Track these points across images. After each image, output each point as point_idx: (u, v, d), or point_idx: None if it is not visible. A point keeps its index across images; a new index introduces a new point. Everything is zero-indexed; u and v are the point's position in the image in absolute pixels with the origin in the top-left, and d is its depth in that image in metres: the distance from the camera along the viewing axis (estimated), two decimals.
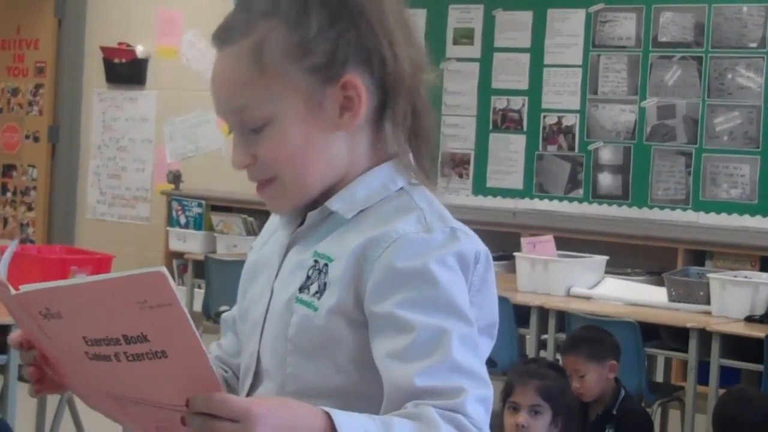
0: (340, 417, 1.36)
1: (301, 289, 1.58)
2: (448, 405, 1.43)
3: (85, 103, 9.99)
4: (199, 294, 6.86)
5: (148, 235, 9.38)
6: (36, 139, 10.12)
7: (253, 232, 8.57)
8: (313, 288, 1.56)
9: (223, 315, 1.85)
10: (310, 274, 1.58)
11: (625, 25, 7.44)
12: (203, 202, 8.80)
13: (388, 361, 1.48)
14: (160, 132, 9.53)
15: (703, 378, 5.10)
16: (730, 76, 7.09)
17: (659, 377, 6.10)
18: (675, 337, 5.20)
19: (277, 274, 1.64)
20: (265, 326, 1.63)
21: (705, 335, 5.03)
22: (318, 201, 1.63)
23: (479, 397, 1.46)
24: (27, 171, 10.17)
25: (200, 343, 1.29)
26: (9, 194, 10.29)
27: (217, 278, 6.58)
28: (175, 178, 9.10)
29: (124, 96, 9.75)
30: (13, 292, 1.34)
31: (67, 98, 10.01)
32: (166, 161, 9.43)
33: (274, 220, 1.75)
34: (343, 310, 1.53)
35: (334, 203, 1.60)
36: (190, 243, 8.74)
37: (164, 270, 1.27)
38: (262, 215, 8.55)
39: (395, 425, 1.39)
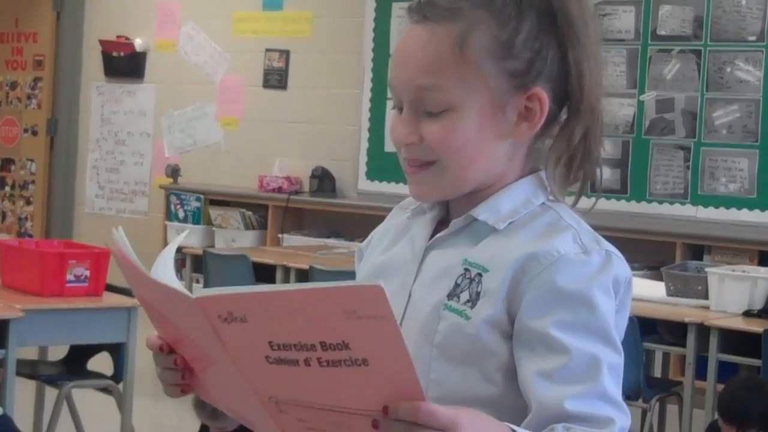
0: None
1: (450, 297, 1.57)
2: None
3: (83, 96, 9.98)
4: (197, 288, 6.86)
5: (146, 229, 9.37)
6: (34, 133, 10.12)
7: (251, 226, 8.57)
8: (464, 296, 1.56)
9: None
10: (459, 282, 1.57)
11: (623, 19, 7.43)
12: (201, 196, 8.80)
13: (538, 379, 1.49)
14: (159, 126, 9.53)
15: (701, 373, 5.09)
16: (728, 69, 7.09)
17: (657, 372, 6.10)
18: (673, 331, 5.20)
19: (415, 279, 1.63)
20: (402, 330, 1.63)
21: (703, 330, 5.02)
22: (457, 202, 1.63)
23: (623, 429, 1.49)
24: (25, 165, 10.17)
25: (409, 354, 1.29)
26: (7, 188, 10.29)
27: (215, 272, 6.58)
28: (174, 172, 9.10)
29: (123, 89, 9.74)
30: (191, 296, 1.35)
31: (66, 92, 10.01)
32: (165, 155, 9.43)
33: (390, 224, 1.75)
34: (497, 321, 1.53)
35: (480, 212, 1.60)
36: (189, 237, 8.73)
37: (382, 284, 1.25)
38: (260, 209, 8.56)
39: None
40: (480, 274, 1.56)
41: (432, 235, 1.65)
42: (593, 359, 1.49)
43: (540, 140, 1.62)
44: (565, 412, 1.46)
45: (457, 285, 1.57)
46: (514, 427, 1.39)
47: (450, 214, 1.65)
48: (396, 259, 1.68)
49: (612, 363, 1.50)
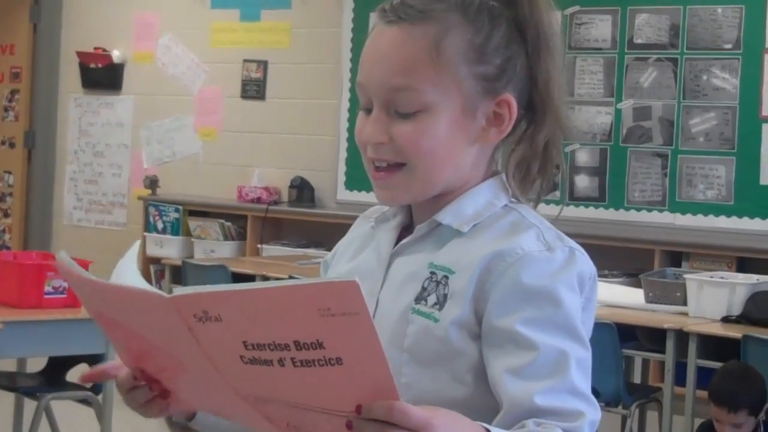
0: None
1: (417, 300, 1.58)
2: (569, 427, 1.46)
3: (61, 108, 9.96)
4: None
5: (125, 240, 9.34)
6: (12, 145, 10.08)
7: (230, 237, 8.56)
8: (431, 299, 1.57)
9: None
10: (426, 285, 1.58)
11: (600, 27, 7.46)
12: (180, 207, 8.78)
13: (507, 376, 1.50)
14: (137, 137, 9.52)
15: (680, 379, 5.11)
16: (705, 77, 7.12)
17: (637, 378, 6.12)
18: (652, 338, 5.21)
19: (382, 285, 1.64)
20: None
21: (682, 336, 5.04)
22: (421, 207, 1.65)
23: (593, 422, 1.50)
24: (3, 177, 10.13)
25: (383, 352, 1.29)
26: None
27: (194, 283, 6.57)
28: (152, 183, 9.08)
29: (101, 101, 9.72)
30: (165, 295, 1.34)
31: (43, 103, 9.98)
32: (143, 166, 9.41)
33: (355, 234, 1.76)
34: (465, 322, 1.54)
35: (443, 217, 1.61)
36: (168, 248, 8.72)
37: (357, 280, 1.25)
38: (239, 220, 8.55)
39: None
40: (446, 277, 1.57)
41: (397, 242, 1.66)
42: (561, 354, 1.50)
43: (507, 150, 1.65)
44: (536, 407, 1.47)
45: (423, 289, 1.58)
46: (489, 427, 1.40)
47: (414, 221, 1.66)
48: (362, 267, 1.68)
49: (580, 357, 1.52)
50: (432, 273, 1.59)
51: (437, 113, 1.58)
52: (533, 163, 1.64)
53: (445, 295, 1.56)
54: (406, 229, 1.67)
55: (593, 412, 1.50)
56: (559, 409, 1.47)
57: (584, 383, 1.51)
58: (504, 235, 1.58)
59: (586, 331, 1.58)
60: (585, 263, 1.58)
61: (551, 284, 1.53)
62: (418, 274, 1.60)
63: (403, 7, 1.60)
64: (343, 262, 1.74)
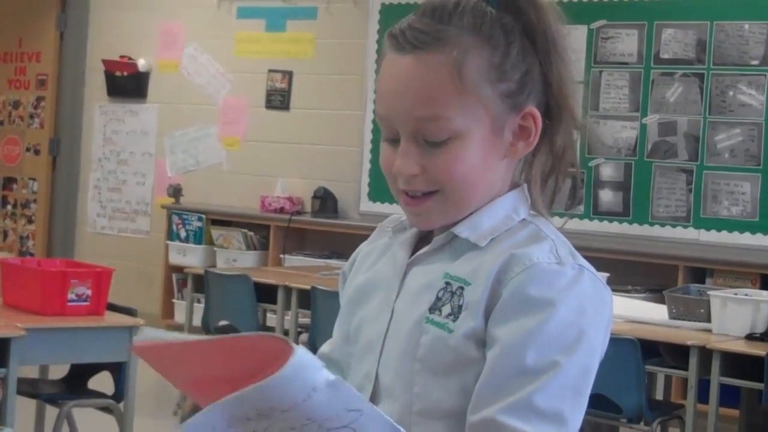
0: None
1: (431, 310, 1.58)
2: None
3: (86, 116, 9.99)
4: (199, 308, 6.85)
5: (148, 248, 9.37)
6: (37, 152, 10.12)
7: (253, 246, 8.57)
8: (446, 310, 1.57)
9: (319, 351, 1.81)
10: (440, 295, 1.58)
11: (626, 42, 7.45)
12: (203, 216, 8.80)
13: (481, 384, 1.51)
14: (161, 145, 9.54)
15: (703, 396, 5.08)
16: (731, 93, 7.09)
17: (659, 395, 6.08)
18: (675, 354, 5.19)
19: (397, 295, 1.64)
20: (385, 346, 1.63)
21: (705, 353, 5.01)
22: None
23: None
24: (27, 184, 10.17)
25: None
26: (9, 207, 10.29)
27: (216, 292, 6.57)
28: (176, 191, 9.10)
29: (125, 109, 9.75)
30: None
31: (68, 111, 10.02)
32: (167, 175, 9.43)
33: (372, 246, 1.76)
34: (479, 334, 1.54)
35: (461, 230, 1.60)
36: (190, 257, 8.74)
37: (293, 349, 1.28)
38: (262, 230, 8.56)
39: None
40: (462, 288, 1.57)
41: (413, 252, 1.66)
42: (541, 369, 1.48)
43: (529, 157, 1.64)
44: (496, 421, 1.47)
45: (438, 299, 1.58)
46: None
47: (432, 231, 1.66)
48: (378, 277, 1.69)
49: (564, 374, 1.49)
50: (447, 283, 1.58)
51: (468, 138, 1.57)
52: (555, 168, 1.64)
53: (460, 306, 1.56)
54: (423, 239, 1.67)
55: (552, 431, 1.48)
56: (513, 428, 1.46)
57: (556, 402, 1.49)
58: (518, 246, 1.57)
59: (601, 350, 1.56)
60: (592, 286, 1.56)
61: (553, 297, 1.51)
62: (433, 284, 1.59)
63: (415, 33, 1.58)
64: (361, 272, 1.74)
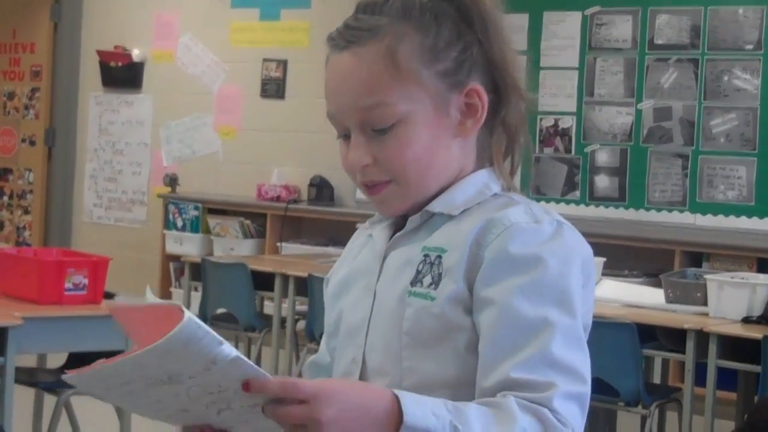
0: (407, 398, 1.40)
1: (413, 284, 1.60)
2: (533, 398, 1.45)
3: (81, 106, 9.99)
4: (196, 297, 6.86)
5: (144, 238, 9.38)
6: (32, 143, 10.12)
7: (250, 235, 8.57)
8: (426, 280, 1.59)
9: (309, 361, 1.85)
10: (420, 268, 1.60)
11: (621, 28, 7.45)
12: (200, 205, 8.80)
13: (487, 347, 1.51)
14: (157, 135, 9.53)
15: (700, 379, 5.09)
16: (726, 78, 7.10)
17: (656, 379, 6.10)
18: (672, 338, 5.19)
19: (378, 278, 1.66)
20: (371, 328, 1.65)
21: (702, 336, 5.02)
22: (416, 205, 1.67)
23: (571, 394, 1.47)
24: (23, 174, 10.16)
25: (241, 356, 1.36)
26: (5, 198, 10.29)
27: (213, 281, 6.58)
28: (172, 181, 9.10)
29: (121, 99, 9.75)
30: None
31: (64, 102, 10.01)
32: (163, 164, 9.43)
33: (353, 245, 1.79)
34: (460, 297, 1.56)
35: (435, 206, 1.64)
36: (187, 246, 8.74)
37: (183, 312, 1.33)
38: (258, 218, 8.56)
39: (469, 410, 1.42)
40: (439, 256, 1.59)
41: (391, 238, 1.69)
42: (543, 323, 1.50)
43: (486, 135, 1.68)
44: (510, 379, 1.47)
45: (418, 272, 1.60)
46: (399, 392, 1.41)
47: (407, 217, 1.69)
48: (359, 267, 1.72)
49: (567, 326, 1.51)
50: (425, 256, 1.61)
51: (413, 121, 1.61)
52: (510, 145, 1.69)
53: (440, 274, 1.58)
54: (400, 227, 1.69)
55: (572, 383, 1.48)
56: (531, 382, 1.46)
57: (568, 354, 1.49)
58: (492, 211, 1.60)
59: (587, 312, 1.58)
60: (574, 239, 1.59)
61: (537, 251, 1.54)
62: (412, 260, 1.62)
63: (349, 30, 1.64)
64: (342, 268, 1.77)
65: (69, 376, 1.42)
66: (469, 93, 1.63)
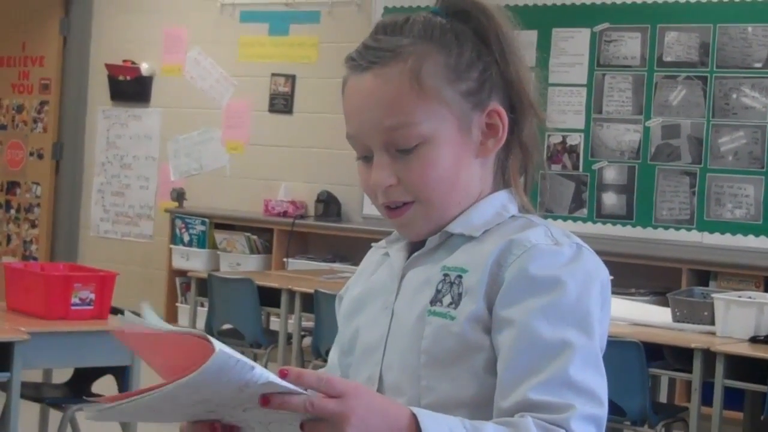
0: (425, 416, 1.41)
1: (433, 303, 1.60)
2: (551, 419, 1.46)
3: (89, 120, 10.00)
4: (202, 312, 6.85)
5: (151, 252, 9.38)
6: (40, 156, 10.13)
7: (256, 250, 8.57)
8: (446, 300, 1.59)
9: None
10: (440, 288, 1.61)
11: (629, 45, 7.44)
12: (207, 220, 8.80)
13: (506, 369, 1.51)
14: (164, 150, 9.54)
15: (707, 399, 5.08)
16: (734, 96, 7.09)
17: (663, 398, 6.08)
18: (679, 357, 5.18)
19: (396, 297, 1.66)
20: (388, 346, 1.65)
21: (709, 356, 5.01)
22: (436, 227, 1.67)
23: (588, 416, 1.48)
24: (31, 188, 10.17)
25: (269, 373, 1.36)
26: (13, 211, 10.29)
27: (220, 296, 6.57)
28: (179, 196, 9.10)
29: (129, 113, 9.76)
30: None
31: (72, 115, 10.02)
32: (170, 179, 9.43)
33: (367, 263, 1.79)
34: (481, 317, 1.56)
35: (454, 227, 1.64)
36: (194, 261, 8.74)
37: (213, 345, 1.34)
38: (265, 233, 8.55)
39: (487, 429, 1.44)
40: (460, 276, 1.59)
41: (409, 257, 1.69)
42: (563, 345, 1.50)
43: (503, 154, 1.68)
44: (529, 401, 1.47)
45: (438, 291, 1.60)
46: (417, 410, 1.41)
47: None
48: (375, 286, 1.72)
49: (586, 348, 1.51)
50: (445, 275, 1.61)
51: (437, 141, 1.61)
52: (525, 165, 1.69)
53: (460, 294, 1.58)
54: (418, 245, 1.69)
55: (590, 405, 1.49)
56: (549, 403, 1.47)
57: (585, 375, 1.50)
58: (513, 232, 1.61)
59: (603, 336, 1.58)
60: (593, 262, 1.59)
61: (557, 273, 1.54)
62: (431, 279, 1.62)
63: (370, 51, 1.63)
64: (357, 286, 1.77)
65: (94, 412, 1.42)
66: (491, 113, 1.64)
